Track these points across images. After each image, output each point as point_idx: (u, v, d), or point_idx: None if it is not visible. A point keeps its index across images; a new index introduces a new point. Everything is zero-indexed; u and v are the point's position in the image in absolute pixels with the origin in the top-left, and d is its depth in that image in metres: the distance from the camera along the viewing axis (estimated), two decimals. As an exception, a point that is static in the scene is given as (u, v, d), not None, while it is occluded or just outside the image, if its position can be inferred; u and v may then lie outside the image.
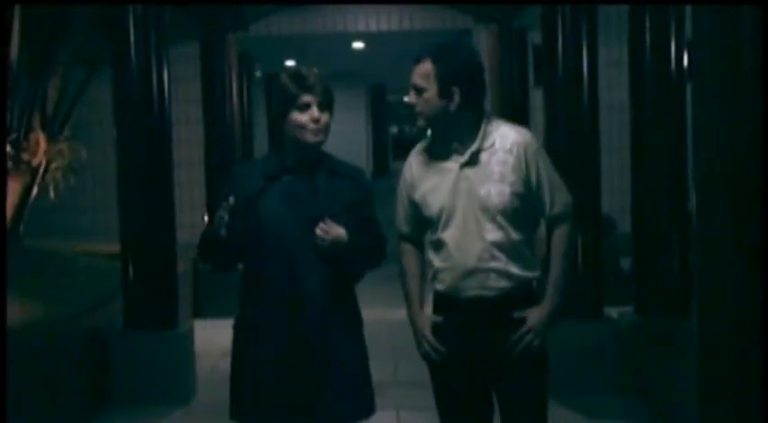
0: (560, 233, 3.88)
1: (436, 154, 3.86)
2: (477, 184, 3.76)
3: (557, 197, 3.87)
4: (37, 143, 8.47)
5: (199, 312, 9.49)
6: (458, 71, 3.75)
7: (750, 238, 3.35)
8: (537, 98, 11.45)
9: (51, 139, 8.77)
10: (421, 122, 3.83)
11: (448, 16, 12.95)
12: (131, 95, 6.83)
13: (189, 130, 11.32)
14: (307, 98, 3.75)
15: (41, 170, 9.12)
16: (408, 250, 4.01)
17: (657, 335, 6.51)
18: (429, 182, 3.85)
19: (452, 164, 3.80)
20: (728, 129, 3.37)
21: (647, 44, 6.63)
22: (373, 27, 13.18)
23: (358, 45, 15.85)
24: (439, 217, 3.81)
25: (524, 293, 3.85)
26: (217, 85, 10.65)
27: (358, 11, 12.98)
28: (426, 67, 3.77)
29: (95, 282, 8.39)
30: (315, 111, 3.76)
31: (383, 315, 8.11)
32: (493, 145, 3.78)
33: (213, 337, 8.50)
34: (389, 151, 35.21)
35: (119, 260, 7.08)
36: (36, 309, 7.26)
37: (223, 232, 3.65)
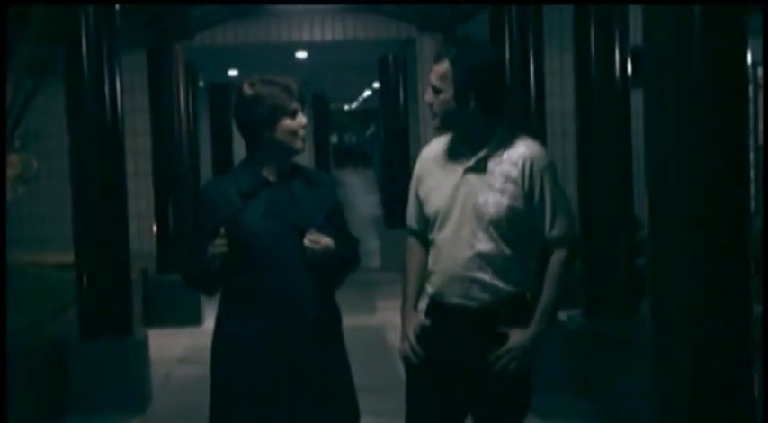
0: (558, 257, 3.74)
1: (447, 154, 3.79)
2: (477, 192, 3.68)
3: (558, 218, 3.74)
4: (-15, 154, 8.42)
5: (149, 321, 9.50)
6: (476, 75, 3.64)
7: (702, 240, 3.44)
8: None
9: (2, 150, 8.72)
10: (436, 123, 3.77)
11: (392, 26, 13.08)
12: (84, 105, 6.86)
13: (135, 141, 11.32)
14: (295, 105, 3.75)
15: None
16: (414, 246, 3.92)
17: (605, 336, 6.67)
18: (434, 179, 3.79)
19: (458, 166, 3.72)
20: (680, 131, 3.46)
21: (592, 52, 6.77)
22: (317, 37, 13.26)
23: (301, 55, 15.92)
24: (435, 217, 3.76)
25: (512, 310, 3.72)
26: (164, 95, 10.66)
27: (303, 20, 13.06)
28: (444, 67, 3.66)
29: (46, 292, 8.36)
30: (302, 117, 3.78)
31: (356, 322, 8.19)
32: (501, 155, 3.70)
33: (166, 345, 8.55)
34: (331, 159, 35.36)
35: (68, 270, 7.09)
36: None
37: (218, 264, 3.64)
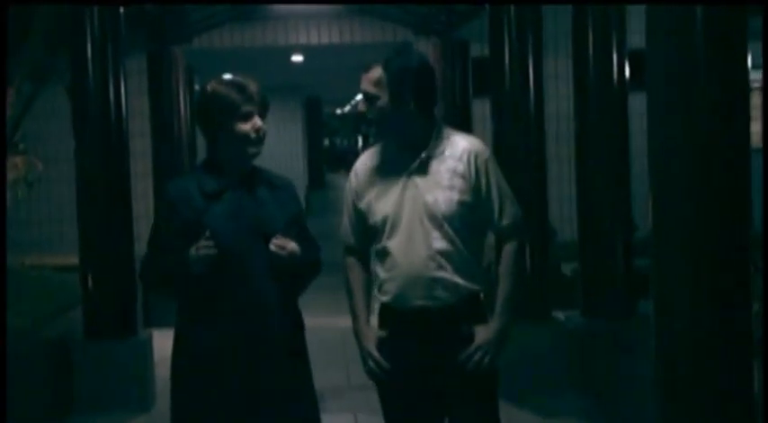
0: (510, 249, 3.80)
1: (384, 161, 3.79)
2: (425, 191, 3.68)
3: (506, 208, 3.79)
4: (-9, 157, 8.49)
5: (150, 322, 9.55)
6: (410, 77, 3.67)
7: (703, 241, 3.52)
8: (477, 108, 11.75)
9: (5, 152, 8.79)
10: (374, 130, 3.84)
11: (388, 29, 13.15)
12: (89, 108, 6.93)
13: (134, 143, 11.37)
14: (248, 107, 3.61)
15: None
16: (353, 263, 3.88)
17: (603, 336, 6.76)
18: (375, 189, 3.77)
19: (400, 171, 3.72)
20: (683, 133, 3.54)
21: (590, 56, 6.86)
22: (314, 40, 13.33)
23: (297, 58, 15.98)
24: (383, 224, 3.72)
25: (471, 307, 3.74)
26: (164, 98, 10.74)
27: (300, 24, 13.14)
28: (377, 74, 3.70)
29: (48, 294, 8.42)
30: (257, 120, 3.62)
31: (336, 322, 8.26)
32: (443, 152, 3.73)
33: (169, 346, 8.59)
34: (323, 163, 35.35)
35: (70, 272, 7.13)
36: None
37: (201, 268, 3.50)
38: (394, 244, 3.71)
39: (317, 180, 31.04)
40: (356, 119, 48.35)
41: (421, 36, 12.56)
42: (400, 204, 3.70)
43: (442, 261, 3.67)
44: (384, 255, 3.74)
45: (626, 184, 6.94)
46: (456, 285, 3.69)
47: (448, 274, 3.68)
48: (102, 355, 6.88)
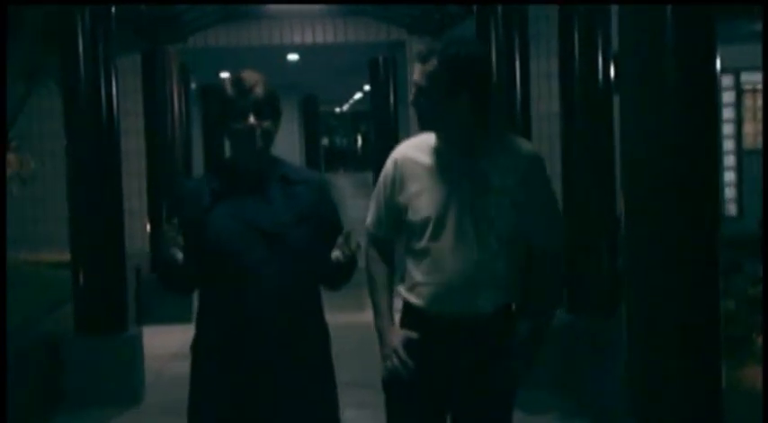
0: (551, 264, 3.59)
1: (431, 157, 3.52)
2: (474, 196, 3.44)
3: (553, 223, 3.59)
4: (-15, 155, 8.58)
5: (142, 319, 9.65)
6: (466, 70, 3.38)
7: (672, 241, 3.62)
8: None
9: (-1, 150, 8.90)
10: (423, 125, 3.52)
11: (382, 29, 13.24)
12: (80, 106, 7.01)
13: (128, 141, 11.47)
14: (243, 104, 3.44)
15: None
16: (378, 256, 3.64)
17: (585, 333, 6.82)
18: (418, 184, 3.50)
19: (449, 171, 3.47)
20: (654, 135, 3.64)
21: (576, 57, 6.91)
22: (308, 39, 13.41)
23: (293, 57, 16.06)
24: (425, 225, 3.46)
25: (504, 318, 3.53)
26: (158, 97, 10.82)
27: (294, 23, 13.22)
28: (431, 65, 3.39)
29: (41, 290, 8.52)
30: (251, 118, 3.45)
31: (351, 319, 8.32)
32: (496, 155, 3.47)
33: (158, 343, 8.69)
34: (322, 162, 35.38)
35: (63, 269, 7.21)
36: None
37: (178, 255, 3.38)
38: (436, 247, 3.47)
39: (314, 179, 31.05)
40: (354, 117, 48.50)
41: (414, 36, 12.65)
42: (446, 206, 3.45)
43: (486, 269, 3.46)
44: (423, 256, 3.50)
45: (611, 183, 7.00)
46: (496, 295, 3.49)
47: (490, 284, 3.47)
48: (92, 350, 6.97)
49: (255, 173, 3.54)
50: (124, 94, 10.88)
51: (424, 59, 3.42)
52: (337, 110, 45.41)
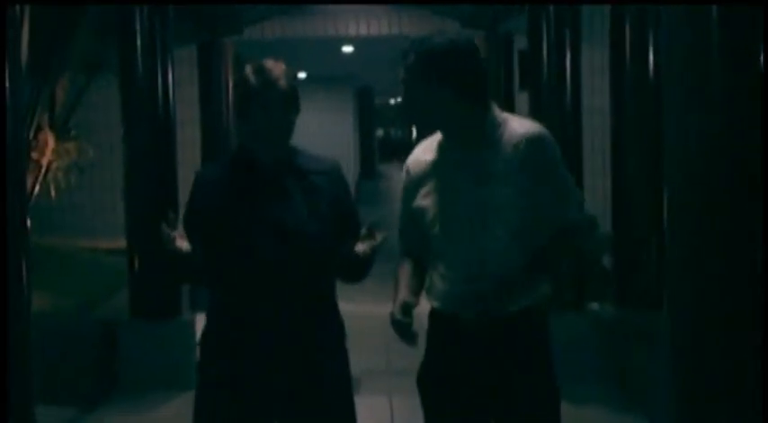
0: (570, 241, 3.40)
1: (434, 154, 3.42)
2: (477, 186, 3.29)
3: (569, 201, 3.38)
4: (46, 142, 8.80)
5: (196, 305, 9.79)
6: (443, 62, 3.27)
7: (716, 238, 3.61)
8: (522, 101, 11.86)
9: (59, 138, 9.11)
10: (409, 121, 3.55)
11: (436, 21, 13.31)
12: (138, 97, 7.17)
13: (184, 131, 11.65)
14: (272, 94, 3.36)
15: (43, 169, 9.42)
16: (405, 265, 3.50)
17: (634, 327, 6.83)
18: (425, 186, 3.41)
19: (450, 164, 3.36)
20: (697, 131, 3.65)
21: (627, 51, 6.93)
22: (363, 31, 13.52)
23: (347, 49, 16.17)
24: (433, 224, 3.36)
25: (527, 323, 3.34)
26: (214, 88, 10.98)
27: (349, 15, 13.33)
28: (410, 61, 3.30)
29: (98, 276, 8.73)
30: (278, 110, 3.39)
31: (375, 310, 8.43)
32: (497, 141, 3.31)
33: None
34: (376, 154, 35.46)
35: (119, 255, 7.37)
36: (43, 300, 7.57)
37: (177, 247, 3.34)
38: (443, 245, 3.35)
39: (368, 170, 31.21)
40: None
41: (468, 29, 12.69)
42: (452, 203, 3.33)
43: (497, 265, 3.28)
44: (436, 256, 3.39)
45: (660, 177, 7.00)
46: (513, 295, 3.29)
47: (504, 282, 3.27)
48: (146, 335, 7.14)
49: (273, 165, 3.46)
50: (180, 84, 11.08)
51: (404, 56, 3.33)
52: (392, 102, 45.63)
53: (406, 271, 3.47)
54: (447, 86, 3.27)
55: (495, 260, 3.27)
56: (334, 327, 3.56)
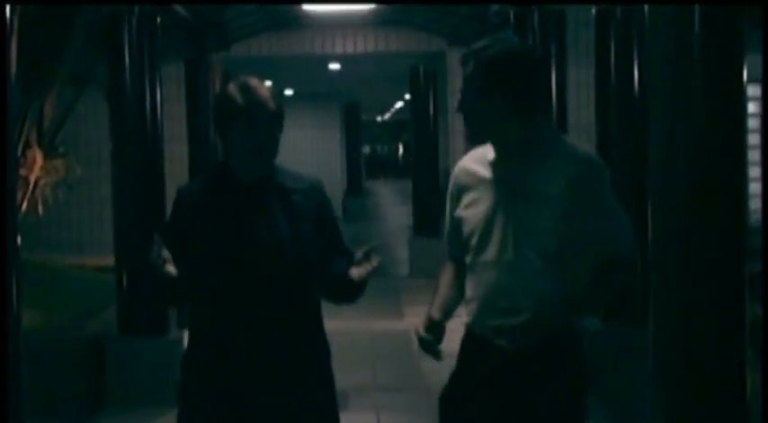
0: (619, 269, 3.27)
1: (482, 166, 3.31)
2: (520, 207, 3.19)
3: (619, 234, 3.25)
4: (34, 159, 8.81)
5: (183, 323, 9.79)
6: (497, 72, 3.17)
7: (698, 248, 3.67)
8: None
9: (47, 155, 9.12)
10: (466, 131, 3.42)
11: (423, 39, 13.40)
12: (126, 113, 7.20)
13: (172, 147, 11.65)
14: (259, 114, 3.30)
15: (31, 186, 9.41)
16: (448, 271, 3.46)
17: (620, 341, 6.88)
18: (469, 196, 3.32)
19: (494, 180, 3.25)
20: (681, 144, 3.69)
21: (612, 67, 6.99)
22: (350, 48, 13.59)
23: (334, 66, 16.23)
24: (471, 238, 3.28)
25: (558, 353, 3.21)
26: (201, 104, 11.00)
27: (336, 33, 13.39)
28: (469, 68, 3.22)
29: (86, 293, 8.71)
30: (262, 128, 3.32)
31: (362, 325, 8.47)
32: (543, 162, 3.20)
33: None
34: (363, 170, 35.47)
35: (107, 273, 7.37)
36: (31, 316, 7.55)
37: (170, 271, 3.26)
38: (480, 262, 3.25)
39: (355, 186, 31.25)
40: (396, 126, 48.60)
41: (454, 46, 12.75)
42: (491, 218, 3.22)
43: (528, 290, 3.17)
44: (471, 272, 3.31)
45: (645, 192, 7.03)
46: (542, 321, 3.17)
47: (534, 307, 3.16)
48: (134, 351, 7.15)
49: (255, 183, 3.41)
50: (168, 101, 11.11)
51: (464, 63, 3.25)
52: (379, 118, 45.63)
53: (446, 278, 3.43)
54: (498, 96, 3.17)
55: (528, 287, 3.17)
56: (317, 347, 3.51)
